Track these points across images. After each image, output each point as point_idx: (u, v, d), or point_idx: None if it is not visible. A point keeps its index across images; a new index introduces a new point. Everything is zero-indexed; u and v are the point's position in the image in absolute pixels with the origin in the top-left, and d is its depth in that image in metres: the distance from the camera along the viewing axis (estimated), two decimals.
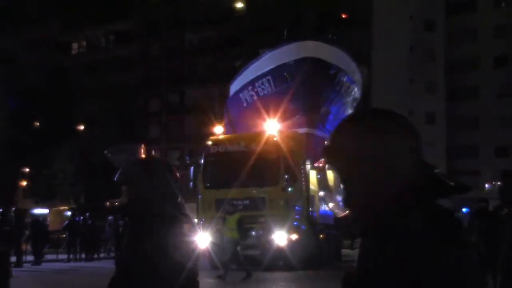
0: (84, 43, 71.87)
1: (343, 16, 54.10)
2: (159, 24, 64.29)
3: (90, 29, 68.09)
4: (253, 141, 19.90)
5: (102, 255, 28.56)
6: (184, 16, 62.62)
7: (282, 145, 19.52)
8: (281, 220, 18.63)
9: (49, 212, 50.37)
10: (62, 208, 52.06)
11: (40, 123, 54.22)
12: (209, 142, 21.09)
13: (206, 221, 19.17)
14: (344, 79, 26.68)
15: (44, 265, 24.62)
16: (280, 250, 18.47)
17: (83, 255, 27.70)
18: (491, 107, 55.97)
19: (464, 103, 57.54)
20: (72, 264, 25.71)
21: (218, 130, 25.08)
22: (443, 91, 58.89)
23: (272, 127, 20.75)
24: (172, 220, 2.84)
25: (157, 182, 2.85)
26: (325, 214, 23.14)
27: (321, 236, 21.67)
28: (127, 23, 66.46)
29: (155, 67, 65.14)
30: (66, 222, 30.24)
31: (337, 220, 22.89)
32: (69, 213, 42.65)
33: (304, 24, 48.80)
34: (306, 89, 24.56)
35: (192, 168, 21.28)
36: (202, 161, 20.50)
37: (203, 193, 19.91)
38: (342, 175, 1.62)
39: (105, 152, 22.97)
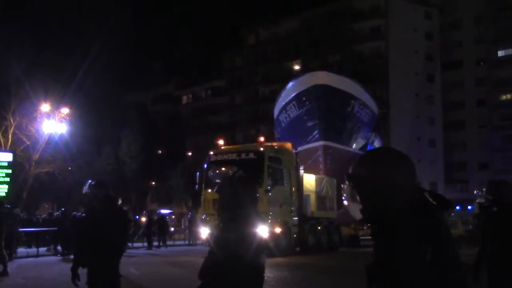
0: (191, 96, 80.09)
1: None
2: (242, 81, 72.85)
3: (195, 86, 78.23)
4: (244, 152, 20.66)
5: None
6: (258, 75, 71.46)
7: (268, 156, 20.01)
8: (265, 217, 17.90)
9: (172, 212, 57.02)
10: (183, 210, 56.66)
11: (161, 151, 58.93)
12: (211, 153, 21.43)
13: (206, 217, 19.37)
14: (355, 102, 27.53)
15: (156, 249, 27.40)
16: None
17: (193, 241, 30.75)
18: (475, 135, 63.50)
19: (455, 132, 64.64)
20: (189, 247, 27.92)
21: (220, 143, 22.60)
22: (440, 124, 65.78)
23: (263, 142, 20.59)
24: (250, 219, 3.20)
25: (238, 193, 3.18)
26: (324, 210, 23.63)
27: (319, 228, 22.58)
28: (220, 81, 75.87)
29: (239, 111, 72.76)
30: (187, 221, 34.60)
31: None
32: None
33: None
34: (319, 110, 25.88)
35: (198, 173, 21.32)
36: (205, 167, 20.71)
37: (204, 194, 20.16)
38: (359, 194, 1.84)
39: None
